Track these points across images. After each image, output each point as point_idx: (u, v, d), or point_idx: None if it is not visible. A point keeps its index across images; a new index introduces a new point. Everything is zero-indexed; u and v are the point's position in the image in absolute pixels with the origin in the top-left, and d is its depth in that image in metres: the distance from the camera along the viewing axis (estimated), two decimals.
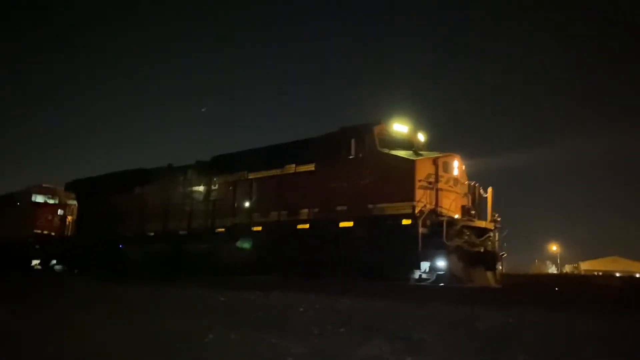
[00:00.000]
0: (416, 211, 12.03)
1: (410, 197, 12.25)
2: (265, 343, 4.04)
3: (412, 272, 12.26)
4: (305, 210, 14.31)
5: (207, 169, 17.85)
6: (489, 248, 12.63)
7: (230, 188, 16.69)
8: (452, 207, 12.49)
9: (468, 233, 12.27)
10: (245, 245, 15.11)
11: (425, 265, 12.16)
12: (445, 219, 11.82)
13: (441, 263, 11.94)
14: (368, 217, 12.82)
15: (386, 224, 12.54)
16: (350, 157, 13.60)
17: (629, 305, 7.61)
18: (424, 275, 12.20)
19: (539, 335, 4.35)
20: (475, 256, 12.12)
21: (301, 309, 5.77)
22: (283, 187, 15.03)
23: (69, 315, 5.95)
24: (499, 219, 13.04)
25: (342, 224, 13.35)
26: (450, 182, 12.84)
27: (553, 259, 60.43)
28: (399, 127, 13.90)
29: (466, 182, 13.41)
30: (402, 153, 13.01)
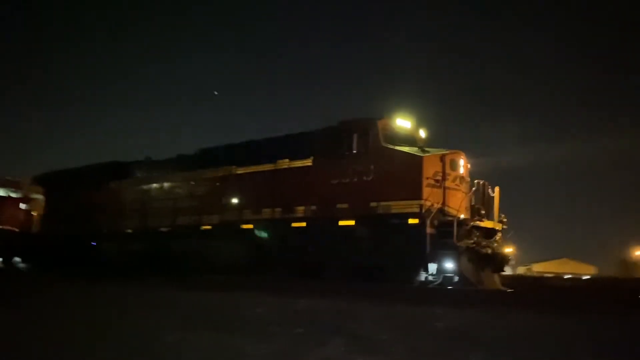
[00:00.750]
0: (424, 210, 11.48)
1: (417, 195, 11.67)
2: (222, 344, 4.05)
3: (418, 274, 11.67)
4: (301, 208, 13.57)
5: (191, 163, 16.87)
6: (496, 249, 12.15)
7: (217, 183, 15.77)
8: (459, 206, 11.96)
9: (477, 234, 11.77)
10: (265, 236, 14.17)
11: (432, 267, 11.60)
12: (455, 218, 11.29)
13: (449, 265, 11.41)
14: (371, 215, 12.18)
15: (391, 223, 11.95)
16: (352, 152, 12.91)
17: None
18: (430, 278, 11.64)
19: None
20: (484, 258, 11.62)
21: (259, 310, 5.72)
22: (276, 183, 14.22)
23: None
24: (505, 220, 12.60)
25: (342, 223, 12.68)
26: (457, 181, 12.31)
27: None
28: (402, 123, 13.30)
29: (473, 181, 12.90)
30: (407, 149, 12.42)
